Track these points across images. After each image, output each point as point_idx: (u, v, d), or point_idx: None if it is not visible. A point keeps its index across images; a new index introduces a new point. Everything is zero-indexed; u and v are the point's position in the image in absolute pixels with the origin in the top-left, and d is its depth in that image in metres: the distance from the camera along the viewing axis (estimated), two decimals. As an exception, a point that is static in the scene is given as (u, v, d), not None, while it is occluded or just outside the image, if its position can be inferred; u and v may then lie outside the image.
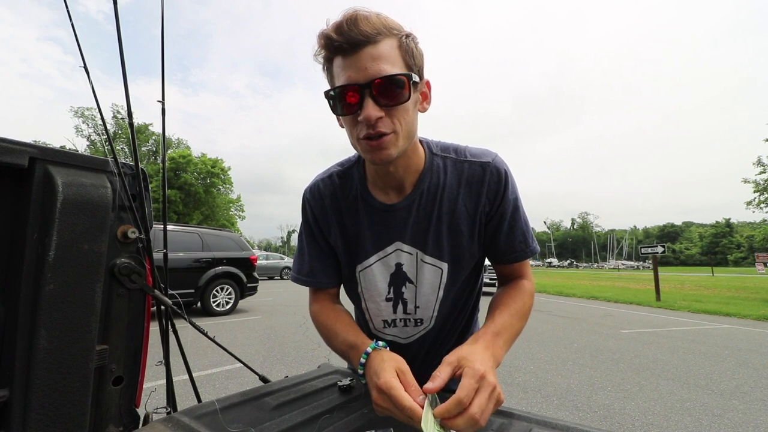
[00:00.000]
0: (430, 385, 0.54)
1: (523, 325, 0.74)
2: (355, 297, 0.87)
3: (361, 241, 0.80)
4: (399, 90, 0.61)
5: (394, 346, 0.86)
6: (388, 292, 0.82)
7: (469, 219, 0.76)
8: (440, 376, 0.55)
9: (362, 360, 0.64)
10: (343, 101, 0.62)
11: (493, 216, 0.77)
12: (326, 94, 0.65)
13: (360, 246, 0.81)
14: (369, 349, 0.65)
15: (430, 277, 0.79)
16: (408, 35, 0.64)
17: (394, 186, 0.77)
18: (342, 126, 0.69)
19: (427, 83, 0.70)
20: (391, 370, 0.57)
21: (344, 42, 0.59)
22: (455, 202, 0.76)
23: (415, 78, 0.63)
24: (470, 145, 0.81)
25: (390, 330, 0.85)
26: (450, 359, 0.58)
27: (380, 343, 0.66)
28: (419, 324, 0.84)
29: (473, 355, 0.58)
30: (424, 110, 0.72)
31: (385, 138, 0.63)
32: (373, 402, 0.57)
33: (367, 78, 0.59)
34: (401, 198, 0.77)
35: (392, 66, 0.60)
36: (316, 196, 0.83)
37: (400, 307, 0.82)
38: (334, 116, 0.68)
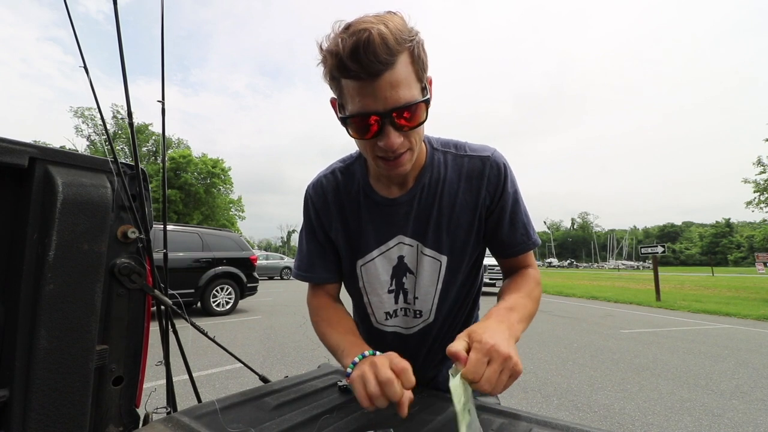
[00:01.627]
0: (462, 367, 0.52)
1: (535, 309, 0.74)
2: (356, 292, 0.87)
3: (363, 236, 0.81)
4: (417, 114, 0.62)
5: (397, 338, 0.87)
6: (390, 284, 0.82)
7: (469, 213, 0.77)
8: (459, 349, 0.54)
9: (356, 359, 0.63)
10: (361, 127, 0.62)
11: (494, 210, 0.77)
12: (341, 119, 0.64)
13: (362, 240, 0.81)
14: (366, 353, 0.64)
15: (429, 269, 0.80)
16: (417, 41, 0.61)
17: (397, 182, 0.78)
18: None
19: (429, 80, 0.70)
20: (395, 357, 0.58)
21: (362, 71, 0.56)
22: (455, 196, 0.77)
23: (428, 95, 0.64)
24: (470, 141, 0.82)
25: (392, 321, 0.86)
26: (461, 335, 0.57)
27: (367, 352, 0.66)
28: (419, 316, 0.84)
29: (482, 329, 0.57)
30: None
31: (403, 156, 0.65)
32: (371, 386, 0.55)
33: (387, 107, 0.58)
34: (403, 192, 0.78)
35: (409, 89, 0.59)
36: (318, 192, 0.84)
37: (401, 297, 0.83)
38: (334, 115, 0.68)
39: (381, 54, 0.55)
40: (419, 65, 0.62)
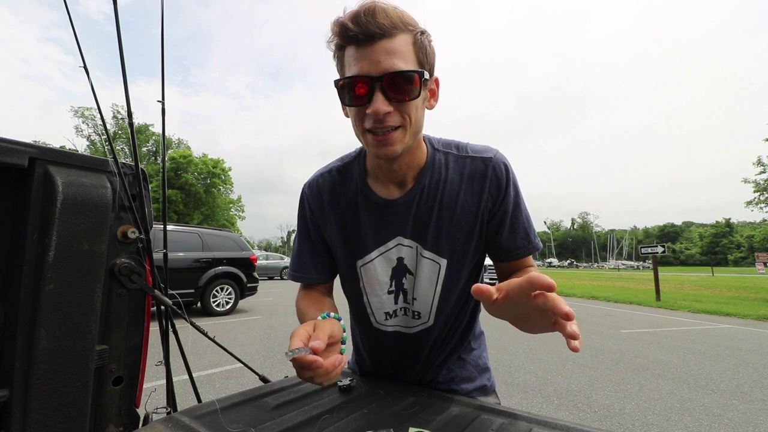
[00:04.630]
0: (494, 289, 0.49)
1: None
2: (356, 292, 0.86)
3: (361, 237, 0.80)
4: (409, 86, 0.61)
5: (398, 338, 0.86)
6: (390, 285, 0.82)
7: (470, 215, 0.76)
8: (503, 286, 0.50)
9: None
10: (353, 92, 0.63)
11: (496, 213, 0.76)
12: (336, 82, 0.65)
13: (360, 241, 0.81)
14: (319, 318, 0.65)
15: (428, 272, 0.79)
16: (423, 32, 0.64)
17: (396, 181, 0.77)
18: (347, 116, 0.70)
19: (436, 81, 0.70)
20: (307, 325, 0.59)
21: (360, 33, 0.59)
22: (456, 198, 0.76)
23: (426, 75, 0.64)
24: (471, 142, 0.81)
25: (392, 321, 0.85)
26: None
27: (332, 314, 0.67)
28: (417, 317, 0.83)
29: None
30: (431, 107, 0.72)
31: (392, 133, 0.64)
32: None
33: (379, 71, 0.60)
34: (402, 193, 0.77)
35: (405, 62, 0.61)
36: (314, 191, 0.84)
37: (400, 297, 0.82)
38: (335, 112, 0.69)
39: (380, 20, 0.59)
40: (422, 52, 0.64)
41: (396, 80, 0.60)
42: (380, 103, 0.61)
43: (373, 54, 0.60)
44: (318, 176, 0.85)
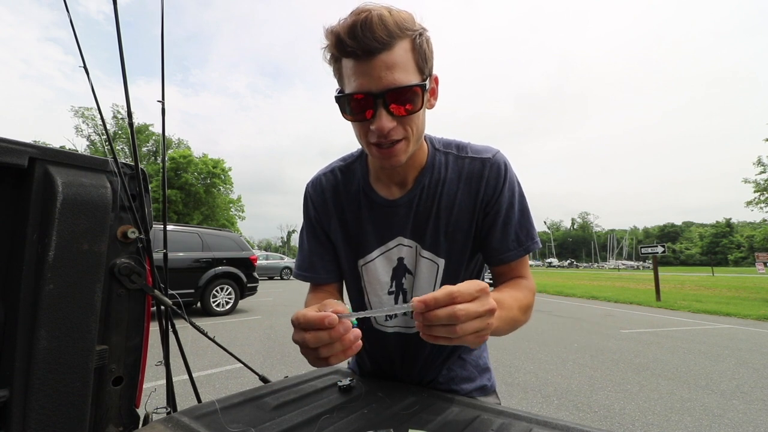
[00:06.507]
0: (417, 300, 0.48)
1: (522, 318, 0.69)
2: (357, 291, 0.87)
3: (363, 236, 0.81)
4: (412, 100, 0.61)
5: (399, 339, 0.86)
6: (390, 286, 0.82)
7: (467, 215, 0.76)
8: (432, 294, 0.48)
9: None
10: (355, 108, 0.62)
11: (489, 212, 0.75)
12: (337, 98, 0.64)
13: (362, 240, 0.81)
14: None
15: (427, 272, 0.79)
16: (420, 33, 0.62)
17: (397, 181, 0.78)
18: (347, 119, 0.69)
19: (436, 79, 0.70)
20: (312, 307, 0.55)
21: (357, 48, 0.57)
22: (454, 198, 0.76)
23: (428, 85, 0.63)
24: (472, 142, 0.81)
25: (392, 322, 0.85)
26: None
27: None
28: None
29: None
30: (432, 106, 0.72)
31: (397, 146, 0.64)
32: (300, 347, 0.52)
33: (380, 88, 0.59)
34: (403, 193, 0.77)
35: (406, 73, 0.59)
36: (317, 190, 0.84)
37: (400, 298, 0.82)
38: (335, 112, 0.68)
39: (378, 33, 0.56)
40: (421, 57, 0.62)
41: (399, 96, 0.60)
42: (385, 121, 0.60)
43: (373, 70, 0.58)
44: (321, 175, 0.85)
